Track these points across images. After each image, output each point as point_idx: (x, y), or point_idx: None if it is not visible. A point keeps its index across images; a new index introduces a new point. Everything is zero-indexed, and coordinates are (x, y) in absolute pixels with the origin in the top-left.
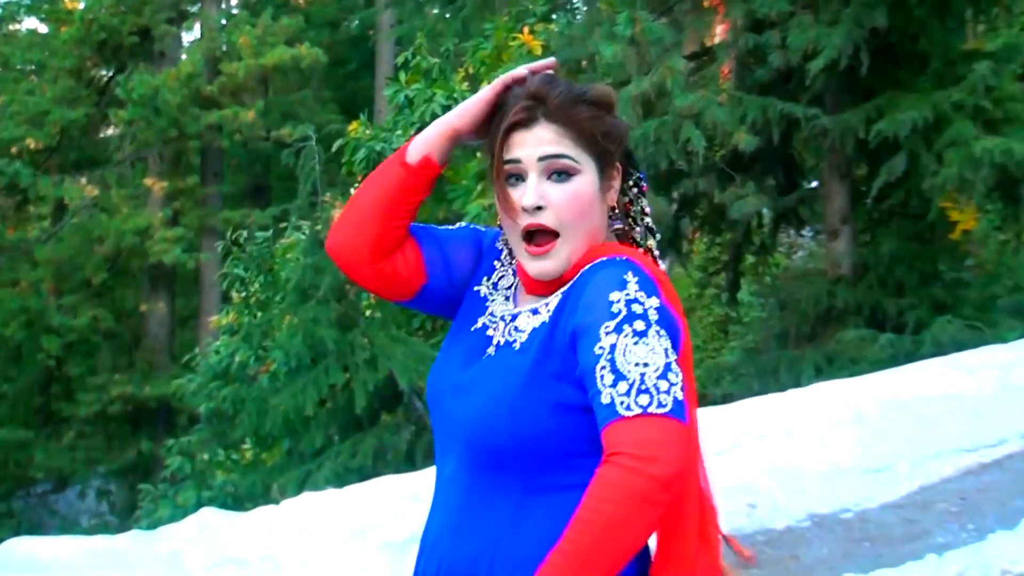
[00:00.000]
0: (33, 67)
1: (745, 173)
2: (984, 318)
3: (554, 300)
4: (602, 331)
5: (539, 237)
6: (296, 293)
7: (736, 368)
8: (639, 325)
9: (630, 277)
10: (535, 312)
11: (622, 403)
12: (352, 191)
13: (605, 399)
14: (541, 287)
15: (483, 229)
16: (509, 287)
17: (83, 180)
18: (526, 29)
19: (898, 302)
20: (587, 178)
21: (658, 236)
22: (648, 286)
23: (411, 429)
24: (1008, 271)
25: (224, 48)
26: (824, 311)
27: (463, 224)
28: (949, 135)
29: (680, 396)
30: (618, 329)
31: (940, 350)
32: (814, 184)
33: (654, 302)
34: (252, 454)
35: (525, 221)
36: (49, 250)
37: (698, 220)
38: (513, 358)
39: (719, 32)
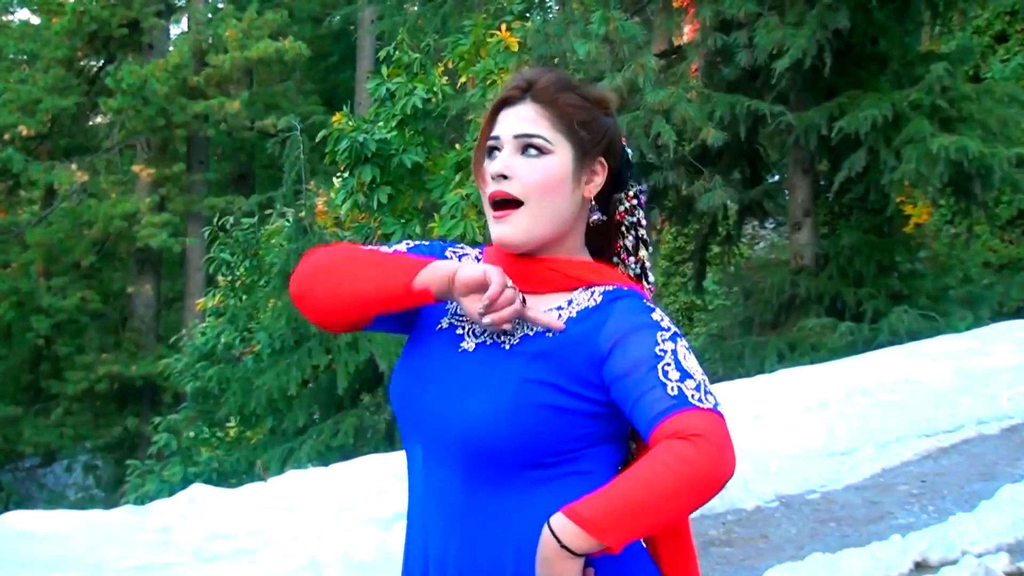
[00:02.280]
0: (25, 57)
1: (712, 167)
2: (937, 308)
3: (548, 312)
4: (659, 336)
5: (503, 207)
6: (280, 277)
7: (702, 354)
8: (685, 343)
9: (651, 305)
10: (529, 326)
11: (694, 396)
12: (335, 181)
13: (672, 391)
14: (515, 282)
15: (427, 243)
16: None
17: (73, 166)
18: (503, 26)
19: (857, 292)
20: (559, 160)
21: (651, 248)
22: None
23: (390, 410)
24: (959, 263)
25: (210, 41)
26: (787, 300)
27: (407, 244)
28: (907, 133)
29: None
30: (673, 339)
31: (896, 338)
32: (777, 178)
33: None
34: (236, 432)
35: (491, 188)
36: (39, 233)
37: (666, 211)
38: (505, 360)
39: (688, 31)
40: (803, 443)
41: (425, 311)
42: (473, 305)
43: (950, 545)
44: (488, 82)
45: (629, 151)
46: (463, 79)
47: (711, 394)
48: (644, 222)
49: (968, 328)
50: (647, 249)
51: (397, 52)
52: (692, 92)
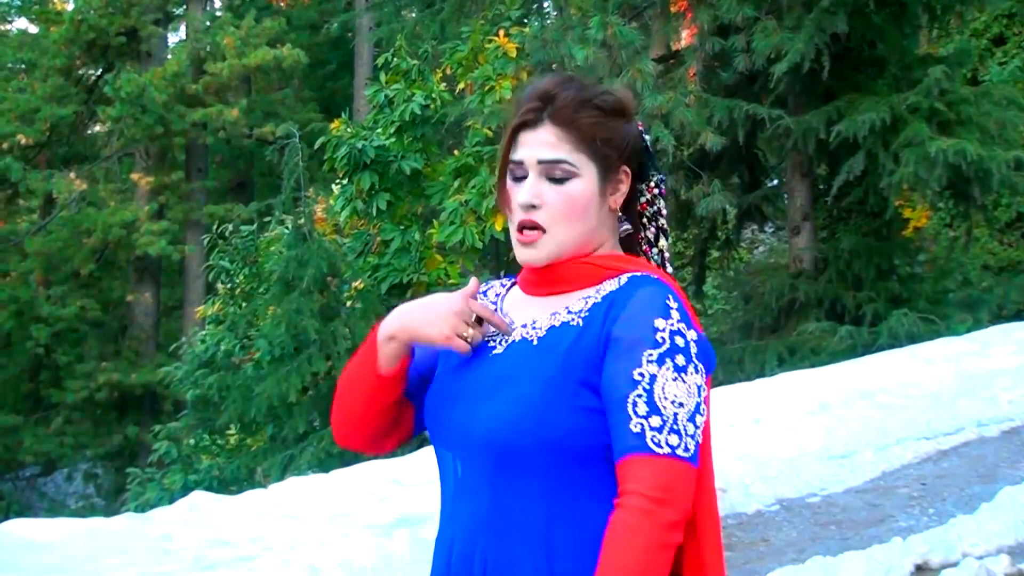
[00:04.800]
0: (24, 66)
1: (711, 171)
2: (937, 311)
3: (575, 303)
4: (644, 357)
5: (528, 231)
6: (280, 285)
7: None
8: (680, 360)
9: (672, 303)
10: (554, 314)
11: (653, 438)
12: (334, 188)
13: (635, 428)
14: (539, 286)
15: None
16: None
17: (72, 175)
18: (501, 32)
19: (856, 295)
20: (585, 182)
21: (669, 239)
22: (687, 317)
23: None
24: (958, 266)
25: (208, 48)
26: (786, 304)
27: None
28: (905, 136)
29: (699, 439)
30: (660, 360)
31: (896, 342)
32: (776, 182)
33: (693, 335)
34: (237, 439)
35: (519, 217)
36: (38, 242)
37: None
38: (532, 356)
39: (686, 36)
40: (803, 446)
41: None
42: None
43: (951, 547)
44: (486, 88)
45: (647, 138)
46: (461, 85)
47: (677, 432)
48: (664, 212)
49: (968, 331)
50: (667, 239)
51: (395, 59)
52: (690, 97)
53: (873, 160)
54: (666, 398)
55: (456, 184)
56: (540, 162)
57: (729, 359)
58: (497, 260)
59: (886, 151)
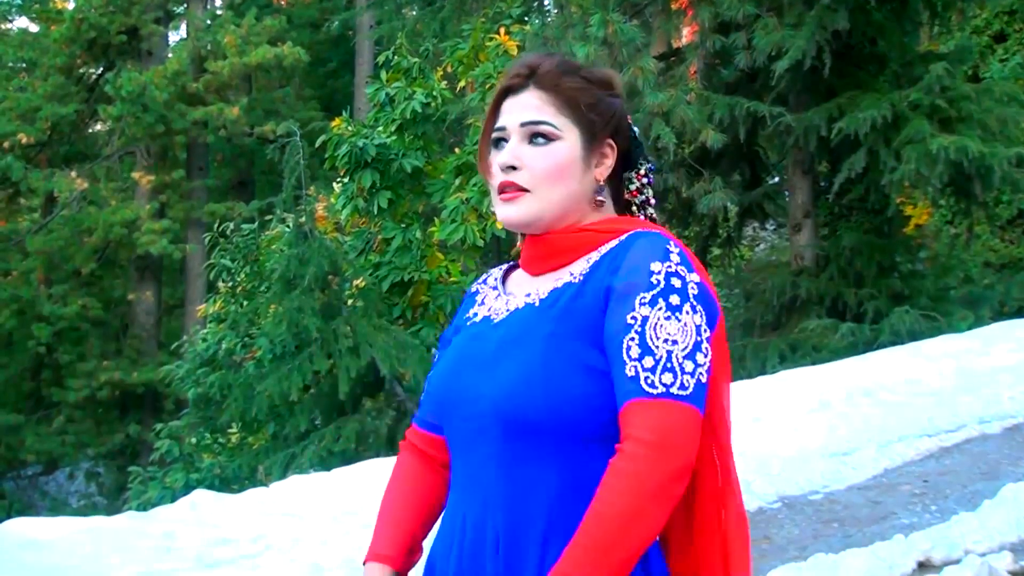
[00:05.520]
0: (24, 65)
1: (712, 169)
2: (938, 308)
3: (576, 266)
4: (637, 300)
5: (510, 190)
6: (281, 283)
7: None
8: (675, 299)
9: (672, 248)
10: (557, 279)
11: (646, 379)
12: (335, 186)
13: (629, 371)
14: (541, 261)
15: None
16: (496, 296)
17: (73, 174)
18: (502, 30)
19: (858, 293)
20: (567, 145)
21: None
22: (687, 262)
23: (392, 414)
24: (959, 263)
25: (209, 47)
26: (788, 301)
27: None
28: (906, 133)
29: (703, 379)
30: (653, 301)
31: (898, 339)
32: (777, 180)
33: (695, 277)
34: (238, 438)
35: (499, 180)
36: (40, 241)
37: (667, 214)
38: (533, 316)
39: (687, 34)
40: (805, 444)
41: (457, 333)
42: None
43: (953, 545)
44: (487, 86)
45: (636, 129)
46: (462, 83)
47: (671, 370)
48: (653, 200)
49: (969, 328)
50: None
51: (396, 57)
52: (691, 94)
53: (874, 157)
54: (658, 337)
55: (457, 182)
56: (523, 124)
57: (731, 357)
58: (498, 258)
59: (887, 148)
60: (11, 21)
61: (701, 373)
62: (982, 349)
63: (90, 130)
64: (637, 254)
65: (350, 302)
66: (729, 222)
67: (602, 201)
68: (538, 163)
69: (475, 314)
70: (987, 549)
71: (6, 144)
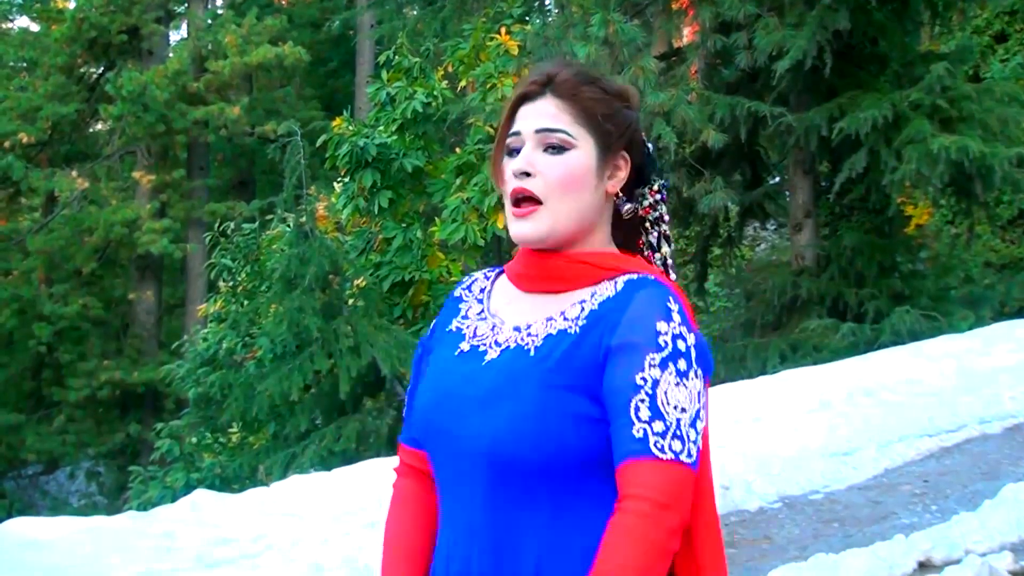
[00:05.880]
0: (25, 64)
1: (713, 169)
2: (939, 308)
3: (571, 309)
4: (647, 361)
5: (524, 204)
6: (282, 282)
7: None
8: (682, 364)
9: (673, 306)
10: (549, 320)
11: (656, 443)
12: (336, 186)
13: (637, 433)
14: (534, 282)
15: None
16: (480, 312)
17: (73, 173)
18: (503, 30)
19: (858, 293)
20: (582, 155)
21: (672, 245)
22: (687, 320)
23: (392, 414)
24: (960, 263)
25: (210, 47)
26: (788, 301)
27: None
28: (907, 133)
29: (700, 445)
30: (663, 365)
31: (898, 339)
32: (778, 179)
33: (693, 339)
34: (239, 437)
35: (512, 186)
36: (40, 240)
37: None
38: (530, 366)
39: (688, 33)
40: (806, 444)
41: (437, 344)
42: None
43: (953, 545)
44: (488, 86)
45: (650, 145)
46: (463, 83)
47: (680, 438)
48: (667, 217)
49: (970, 328)
50: (669, 245)
51: (397, 56)
52: (692, 94)
53: (875, 157)
54: (669, 403)
55: (458, 182)
56: (538, 131)
57: (731, 357)
58: (499, 257)
59: (888, 148)
60: (12, 20)
61: (699, 440)
62: (983, 349)
63: (91, 130)
64: (640, 310)
65: (351, 302)
66: (730, 222)
67: (629, 210)
68: (552, 171)
69: (458, 331)
70: (987, 549)
71: (7, 143)
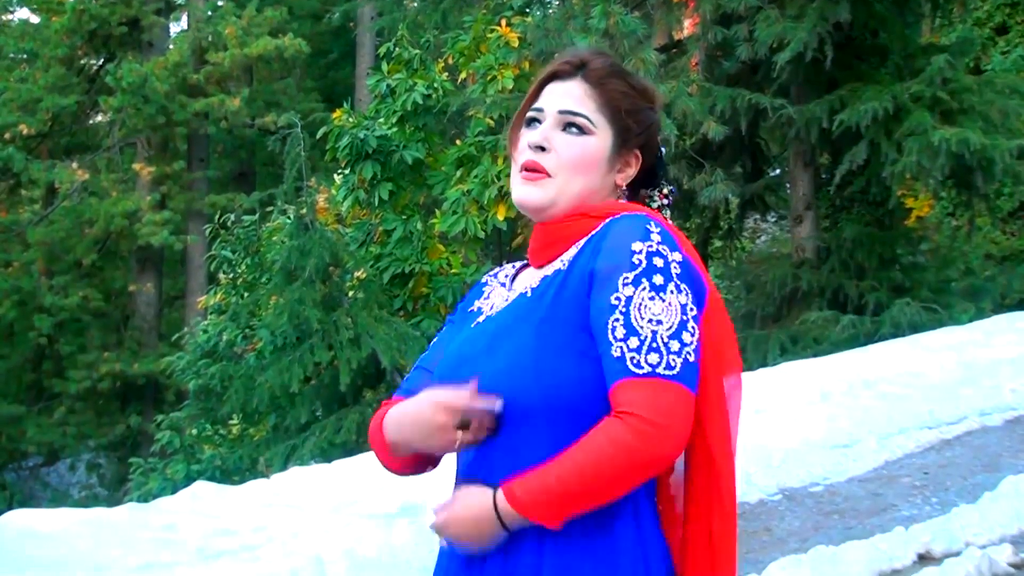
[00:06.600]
0: (25, 56)
1: (713, 161)
2: (939, 300)
3: (569, 253)
4: (620, 281)
5: (533, 172)
6: (282, 274)
7: None
8: (658, 279)
9: (653, 228)
10: (550, 269)
11: (632, 359)
12: (336, 178)
13: (615, 352)
14: (543, 250)
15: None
16: (503, 291)
17: (74, 165)
18: (503, 22)
19: (859, 285)
20: (598, 141)
21: None
22: (670, 240)
23: None
24: (961, 255)
25: (210, 38)
26: (789, 293)
27: (438, 335)
28: (908, 125)
29: (692, 359)
30: (636, 281)
31: (899, 331)
32: (779, 172)
33: (677, 256)
34: (239, 429)
35: (525, 158)
36: (40, 232)
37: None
38: (524, 305)
39: (688, 26)
40: (806, 436)
41: (459, 322)
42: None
43: (953, 537)
44: (488, 78)
45: (663, 150)
46: (463, 75)
47: (656, 351)
48: (670, 222)
49: (970, 320)
50: None
51: (397, 48)
52: (693, 86)
53: (876, 149)
54: (642, 317)
55: (458, 174)
56: (561, 112)
57: None
58: (499, 249)
59: (889, 140)
60: (12, 12)
61: (688, 352)
62: (983, 341)
63: (91, 121)
64: (618, 235)
65: (351, 293)
66: (730, 214)
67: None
68: (566, 151)
69: (478, 309)
70: (987, 541)
71: (7, 135)
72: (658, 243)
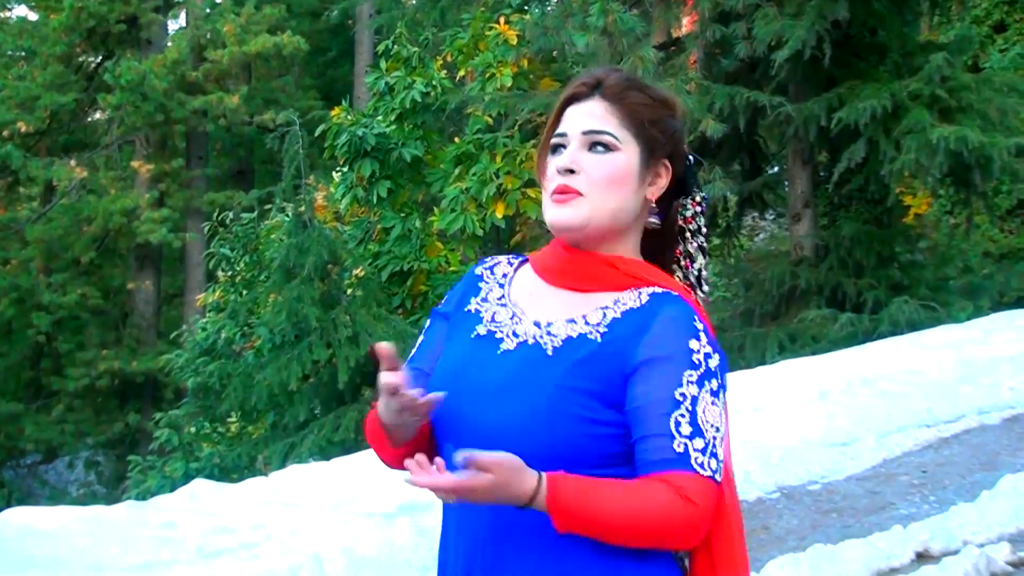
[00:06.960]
0: (24, 53)
1: (712, 158)
2: (938, 298)
3: (593, 314)
4: (685, 378)
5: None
6: (280, 272)
7: None
8: (714, 384)
9: (699, 325)
10: (570, 321)
11: (697, 459)
12: (334, 175)
13: (679, 447)
14: (560, 277)
15: (444, 301)
16: (500, 297)
17: (72, 162)
18: (502, 19)
19: (857, 283)
20: (626, 157)
21: (708, 257)
22: (712, 340)
23: None
24: (959, 253)
25: (209, 36)
26: (787, 291)
27: (428, 324)
28: (906, 123)
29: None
30: (700, 383)
31: (897, 329)
32: (777, 169)
33: (717, 360)
34: (238, 427)
35: (555, 182)
36: (39, 230)
37: None
38: (546, 364)
39: (687, 23)
40: (804, 434)
41: (455, 325)
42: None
43: (951, 535)
44: (487, 75)
45: (691, 157)
46: (462, 72)
47: (715, 456)
48: (705, 230)
49: (969, 318)
50: (705, 257)
51: (396, 46)
52: (691, 84)
53: (874, 147)
54: (708, 421)
55: (457, 172)
56: (585, 132)
57: (730, 347)
58: (498, 247)
59: (887, 138)
60: (10, 9)
61: (723, 462)
62: (982, 339)
63: (89, 119)
64: (670, 326)
65: (349, 291)
66: (729, 212)
67: (652, 224)
68: (596, 170)
69: (476, 313)
70: (985, 540)
71: (5, 132)
72: (706, 343)
